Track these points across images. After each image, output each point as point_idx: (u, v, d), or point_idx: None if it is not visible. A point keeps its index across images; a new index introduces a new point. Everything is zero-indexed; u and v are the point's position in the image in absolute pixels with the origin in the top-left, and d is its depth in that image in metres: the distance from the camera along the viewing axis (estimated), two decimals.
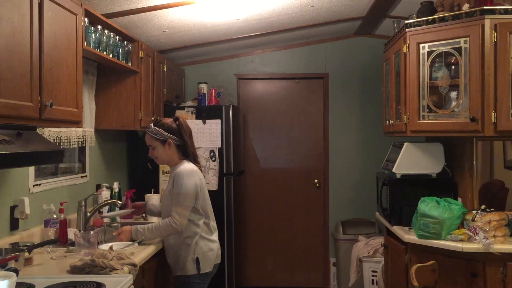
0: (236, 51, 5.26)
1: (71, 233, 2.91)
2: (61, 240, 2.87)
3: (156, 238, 2.93)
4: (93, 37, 3.00)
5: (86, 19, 2.82)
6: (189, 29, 4.00)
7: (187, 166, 2.87)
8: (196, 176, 2.86)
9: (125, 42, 3.56)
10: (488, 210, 3.02)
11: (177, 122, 2.92)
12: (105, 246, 2.82)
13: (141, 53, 3.76)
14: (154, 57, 4.09)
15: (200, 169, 2.98)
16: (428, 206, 3.07)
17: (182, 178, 2.80)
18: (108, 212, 3.61)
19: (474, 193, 3.31)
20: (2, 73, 1.92)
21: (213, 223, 3.01)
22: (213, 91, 4.79)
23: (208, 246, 2.89)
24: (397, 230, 3.39)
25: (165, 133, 2.87)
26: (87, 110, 3.60)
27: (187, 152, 2.92)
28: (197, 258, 2.82)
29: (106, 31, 3.19)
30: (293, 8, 3.80)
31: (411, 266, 2.78)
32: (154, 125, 2.91)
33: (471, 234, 2.93)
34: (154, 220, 3.47)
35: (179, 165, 2.89)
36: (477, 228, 2.92)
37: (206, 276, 2.90)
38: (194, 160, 2.97)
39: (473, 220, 2.99)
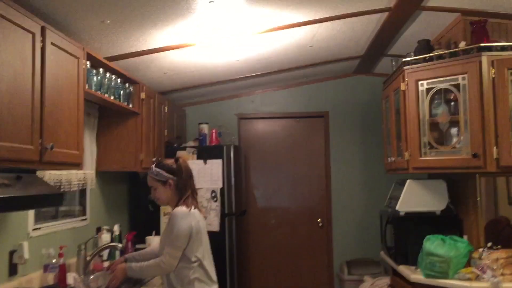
0: (237, 91, 5.31)
1: (71, 278, 2.86)
2: (60, 285, 2.82)
3: (147, 277, 3.00)
4: (95, 79, 3.03)
5: (88, 62, 2.86)
6: (190, 71, 4.06)
7: (183, 208, 2.84)
8: (191, 218, 2.80)
9: (127, 84, 3.60)
10: (494, 247, 2.97)
11: (177, 163, 2.91)
12: None
13: (143, 95, 3.79)
14: (155, 98, 4.13)
15: (199, 210, 2.94)
16: (433, 244, 3.02)
17: (175, 219, 2.77)
18: (108, 256, 3.56)
19: (480, 230, 3.26)
20: (3, 117, 1.93)
21: (212, 267, 2.94)
22: (214, 131, 4.81)
23: None
24: (403, 269, 3.32)
25: (165, 174, 2.86)
26: (88, 152, 3.60)
27: (185, 193, 2.89)
28: None
29: (107, 74, 3.23)
30: (292, 49, 3.86)
31: None
32: (155, 166, 2.91)
33: (479, 272, 2.87)
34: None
35: (177, 206, 2.86)
36: (485, 267, 2.86)
37: None
38: (192, 200, 2.91)
39: (480, 258, 2.93)
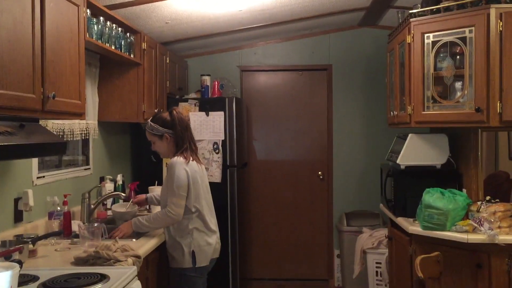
0: (239, 43, 5.23)
1: (75, 225, 2.92)
2: (65, 232, 2.88)
3: (156, 229, 2.97)
4: (96, 28, 2.98)
5: (88, 10, 2.81)
6: (191, 21, 3.98)
7: (180, 158, 2.85)
8: (187, 168, 2.84)
9: (128, 34, 3.54)
10: (493, 201, 3.01)
11: (171, 115, 2.91)
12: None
13: (144, 45, 3.74)
14: (156, 49, 4.08)
15: (198, 161, 2.96)
16: (432, 197, 3.06)
17: (173, 169, 2.82)
18: (112, 204, 3.61)
19: (479, 184, 3.29)
20: (5, 65, 1.91)
21: (212, 217, 2.99)
22: (216, 83, 4.78)
23: (206, 240, 2.88)
24: (401, 221, 3.38)
25: (161, 128, 2.88)
26: (90, 103, 3.59)
27: (182, 146, 2.90)
28: (193, 251, 2.82)
29: (108, 23, 3.17)
30: None
31: (415, 258, 2.77)
32: (150, 120, 2.94)
33: (476, 225, 2.92)
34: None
35: (174, 157, 2.88)
36: (482, 219, 2.90)
37: (202, 270, 2.89)
38: (191, 153, 2.92)
39: (478, 211, 2.98)
